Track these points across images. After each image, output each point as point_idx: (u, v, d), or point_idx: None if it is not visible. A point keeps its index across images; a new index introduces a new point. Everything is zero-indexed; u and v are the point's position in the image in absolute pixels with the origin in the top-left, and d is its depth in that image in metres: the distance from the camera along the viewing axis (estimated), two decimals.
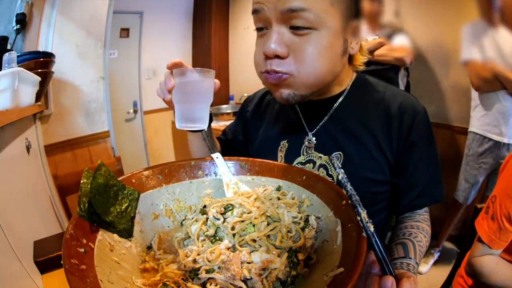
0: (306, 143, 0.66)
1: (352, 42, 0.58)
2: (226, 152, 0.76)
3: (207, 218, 0.47)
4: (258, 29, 0.56)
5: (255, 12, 0.54)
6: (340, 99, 0.65)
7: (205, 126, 0.58)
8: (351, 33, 0.57)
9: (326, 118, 0.65)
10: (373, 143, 0.61)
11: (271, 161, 0.59)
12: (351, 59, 0.64)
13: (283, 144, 0.70)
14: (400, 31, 1.61)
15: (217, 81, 0.58)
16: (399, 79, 1.65)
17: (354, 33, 0.57)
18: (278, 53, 0.51)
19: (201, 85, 0.56)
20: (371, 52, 1.49)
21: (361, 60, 0.64)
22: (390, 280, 0.33)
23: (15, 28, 1.43)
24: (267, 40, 0.52)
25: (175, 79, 0.55)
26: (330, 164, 0.63)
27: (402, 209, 0.65)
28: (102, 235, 0.40)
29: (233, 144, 0.82)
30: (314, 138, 0.66)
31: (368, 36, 1.46)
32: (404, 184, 0.63)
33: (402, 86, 1.71)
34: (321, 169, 0.64)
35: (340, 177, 0.41)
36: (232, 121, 0.88)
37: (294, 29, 0.51)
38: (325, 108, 0.66)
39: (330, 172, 0.63)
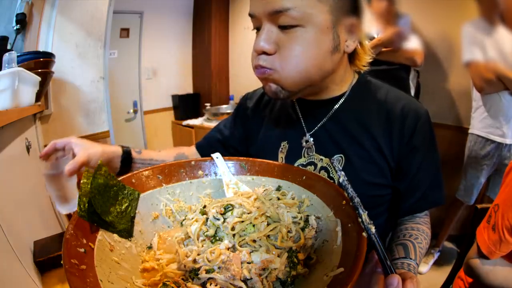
0: (304, 143, 0.66)
1: (347, 40, 0.57)
2: (221, 150, 0.76)
3: (207, 218, 0.47)
4: (257, 29, 0.58)
5: (250, 16, 0.57)
6: (341, 100, 0.64)
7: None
8: (347, 31, 0.56)
9: (325, 119, 0.64)
10: (374, 147, 0.61)
11: (271, 161, 0.59)
12: (353, 58, 0.62)
13: (283, 145, 0.69)
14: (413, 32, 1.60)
15: None
16: (409, 79, 1.64)
17: (350, 30, 0.56)
18: (265, 49, 0.54)
19: None
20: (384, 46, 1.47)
21: (365, 60, 0.62)
22: (396, 279, 0.33)
23: (15, 28, 1.42)
24: (257, 38, 0.55)
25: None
26: (331, 166, 0.63)
27: (403, 212, 0.65)
28: (102, 235, 0.40)
29: (229, 141, 0.81)
30: (312, 139, 0.65)
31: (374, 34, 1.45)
32: (405, 188, 0.63)
33: (412, 87, 1.71)
34: (322, 171, 0.63)
35: (341, 180, 0.40)
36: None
37: (281, 27, 0.53)
38: (325, 109, 0.65)
39: (331, 175, 0.63)
